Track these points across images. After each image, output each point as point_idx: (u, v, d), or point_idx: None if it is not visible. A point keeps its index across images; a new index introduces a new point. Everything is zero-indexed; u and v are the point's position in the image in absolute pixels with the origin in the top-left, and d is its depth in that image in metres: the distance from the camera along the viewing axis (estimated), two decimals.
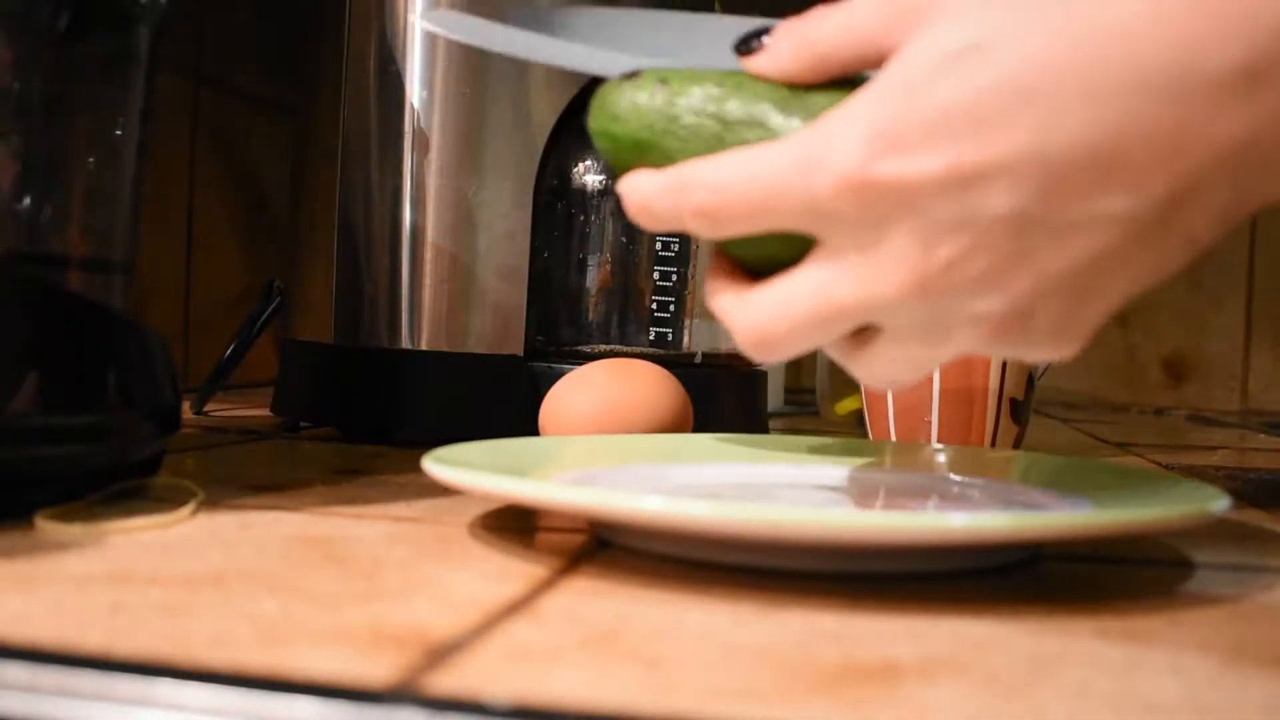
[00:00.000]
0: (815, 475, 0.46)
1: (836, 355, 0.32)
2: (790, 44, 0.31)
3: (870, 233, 0.28)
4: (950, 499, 0.42)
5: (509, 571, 0.32)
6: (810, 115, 0.31)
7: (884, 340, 0.30)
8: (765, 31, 0.32)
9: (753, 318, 0.31)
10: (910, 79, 0.28)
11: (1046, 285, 0.28)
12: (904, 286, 0.28)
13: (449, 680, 0.23)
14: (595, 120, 0.34)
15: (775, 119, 0.31)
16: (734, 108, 0.31)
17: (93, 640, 0.24)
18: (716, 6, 0.77)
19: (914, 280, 0.28)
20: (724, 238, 0.31)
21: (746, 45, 0.32)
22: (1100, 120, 0.26)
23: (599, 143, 0.34)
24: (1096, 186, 0.27)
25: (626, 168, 0.33)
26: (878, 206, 0.28)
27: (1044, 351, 0.30)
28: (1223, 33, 0.26)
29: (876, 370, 0.31)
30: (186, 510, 0.38)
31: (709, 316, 0.63)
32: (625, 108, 0.33)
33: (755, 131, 0.31)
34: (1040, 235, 0.27)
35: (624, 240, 0.61)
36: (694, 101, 0.32)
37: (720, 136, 0.31)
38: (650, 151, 0.32)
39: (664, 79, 0.32)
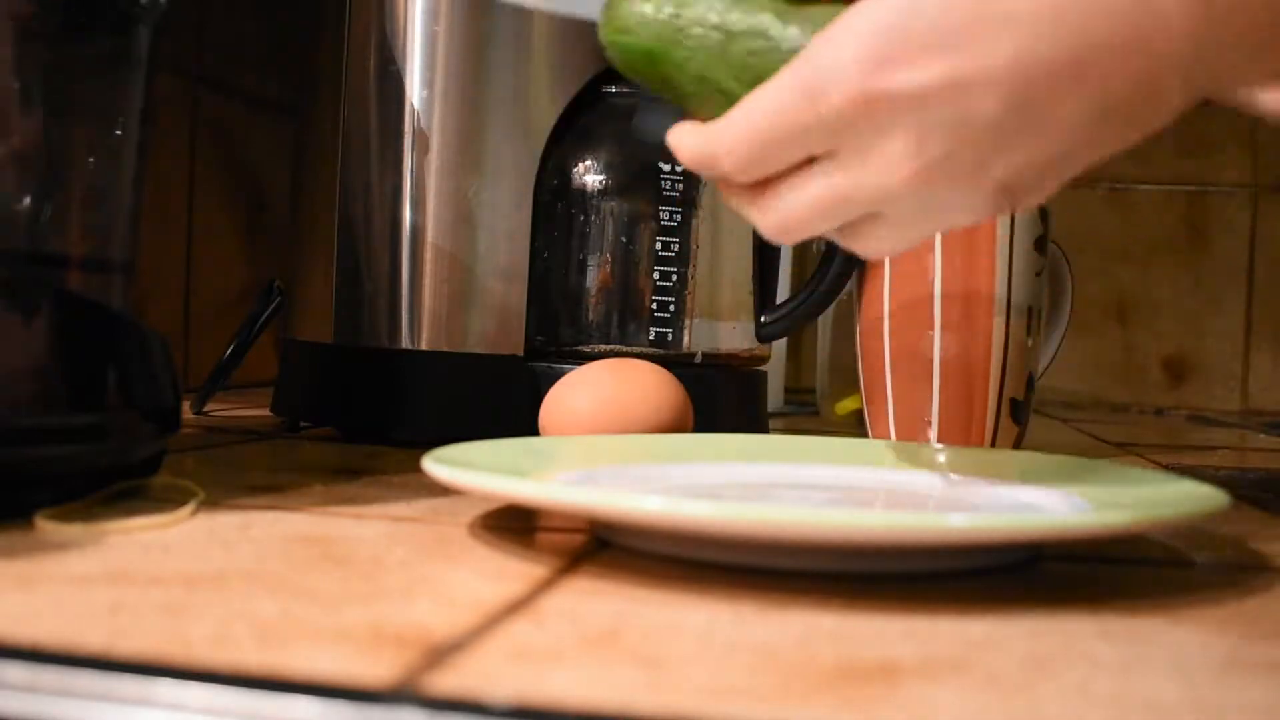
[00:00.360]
0: (815, 475, 0.46)
1: (837, 236, 0.36)
2: None
3: (874, 136, 0.32)
4: (950, 499, 0.42)
5: (509, 571, 0.32)
6: (809, 25, 0.33)
7: (883, 223, 0.35)
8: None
9: (775, 208, 0.35)
10: None
11: (1027, 171, 0.33)
12: (905, 182, 0.33)
13: (449, 680, 0.23)
14: (605, 33, 0.36)
15: (775, 29, 0.34)
16: (736, 19, 0.34)
17: (93, 640, 0.24)
18: None
19: (913, 176, 0.33)
20: (763, 176, 0.34)
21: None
22: (1070, 39, 0.31)
23: (610, 53, 0.37)
24: (1068, 93, 0.31)
25: (639, 75, 0.36)
26: (880, 115, 0.32)
27: (1018, 208, 0.35)
28: None
29: (873, 246, 0.36)
30: (186, 510, 0.38)
31: (709, 316, 0.63)
32: (634, 21, 0.35)
33: (757, 41, 0.34)
34: (1022, 133, 0.32)
35: (624, 240, 0.61)
36: (698, 13, 0.34)
37: (724, 46, 0.34)
38: (660, 61, 0.35)
39: None
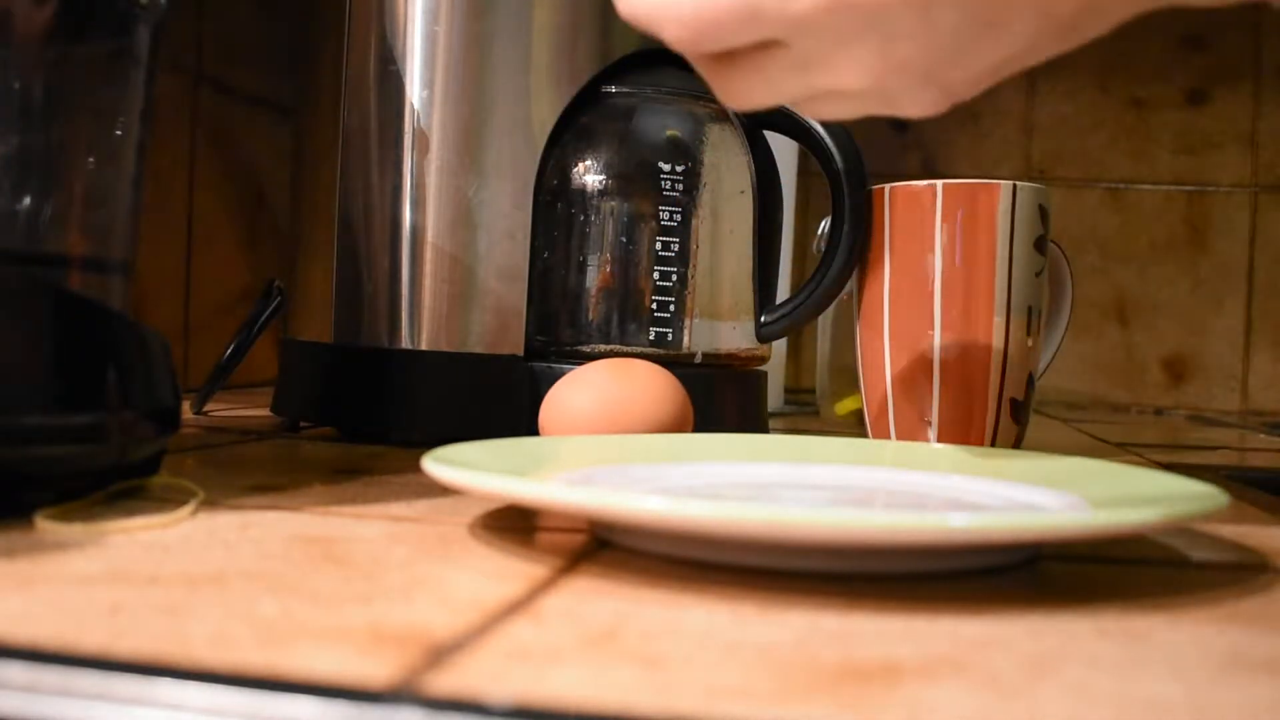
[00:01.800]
0: (815, 475, 0.46)
1: (707, 68, 0.37)
2: None
3: (836, 39, 0.34)
4: (950, 499, 0.42)
5: (509, 571, 0.32)
6: None
7: (837, 99, 0.37)
8: None
9: (733, 83, 0.37)
10: None
11: (973, 74, 0.35)
12: (861, 80, 0.35)
13: (449, 680, 0.23)
14: None
15: None
16: None
17: (93, 640, 0.24)
18: None
19: (870, 76, 0.35)
20: (705, 50, 0.36)
21: None
22: None
23: None
24: (1025, 5, 0.33)
25: None
26: (845, 20, 0.33)
27: (956, 101, 0.37)
28: None
29: (824, 114, 0.38)
30: (186, 510, 0.38)
31: (709, 316, 0.63)
32: None
33: None
34: (977, 41, 0.34)
35: (624, 240, 0.61)
36: None
37: None
38: None
39: None
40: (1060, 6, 0.33)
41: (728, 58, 0.36)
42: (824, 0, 0.33)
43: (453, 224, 0.60)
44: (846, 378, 0.86)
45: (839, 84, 0.36)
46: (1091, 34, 0.35)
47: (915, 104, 0.37)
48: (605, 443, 0.47)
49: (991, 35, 0.34)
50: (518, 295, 0.60)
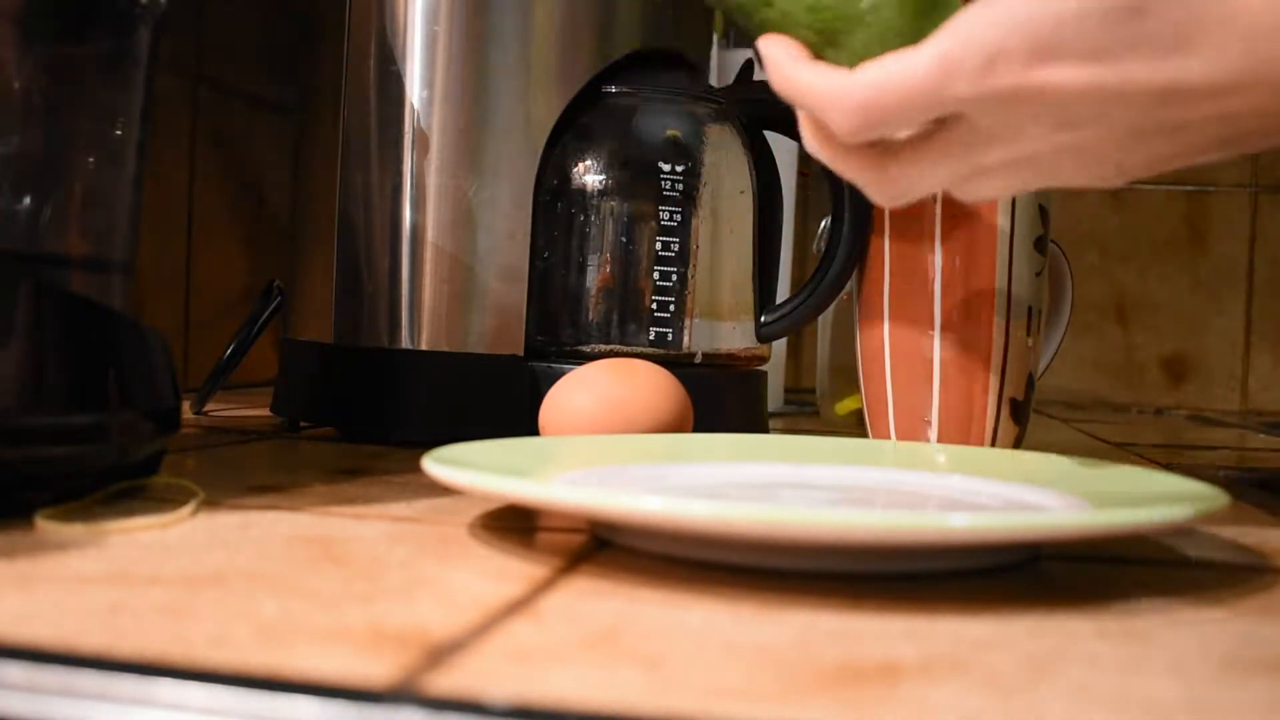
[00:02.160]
0: (815, 475, 0.46)
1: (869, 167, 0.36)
2: None
3: (1011, 121, 0.32)
4: (950, 499, 0.42)
5: (509, 571, 0.32)
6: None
7: (996, 179, 0.35)
8: None
9: (891, 176, 0.35)
10: None
11: (1148, 162, 0.33)
12: (1032, 163, 0.33)
13: (449, 680, 0.23)
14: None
15: None
16: None
17: (93, 640, 0.24)
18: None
19: (1042, 159, 0.33)
20: (868, 137, 0.34)
21: None
22: (1238, 64, 0.30)
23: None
24: (1214, 115, 0.31)
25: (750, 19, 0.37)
26: (1025, 104, 0.32)
27: (1125, 181, 0.35)
28: None
29: (979, 196, 0.36)
30: (186, 510, 0.38)
31: (709, 316, 0.63)
32: None
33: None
34: (1158, 137, 0.32)
35: (624, 240, 0.61)
36: None
37: None
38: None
39: None
40: (1243, 124, 0.32)
41: (886, 147, 0.35)
42: (1009, 80, 0.31)
43: (453, 224, 0.60)
44: (846, 378, 0.86)
45: (1006, 160, 0.34)
46: (1264, 147, 0.33)
47: (1084, 179, 0.35)
48: (605, 443, 0.47)
49: (1175, 134, 0.32)
50: (518, 295, 0.60)
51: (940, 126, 0.34)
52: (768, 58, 0.36)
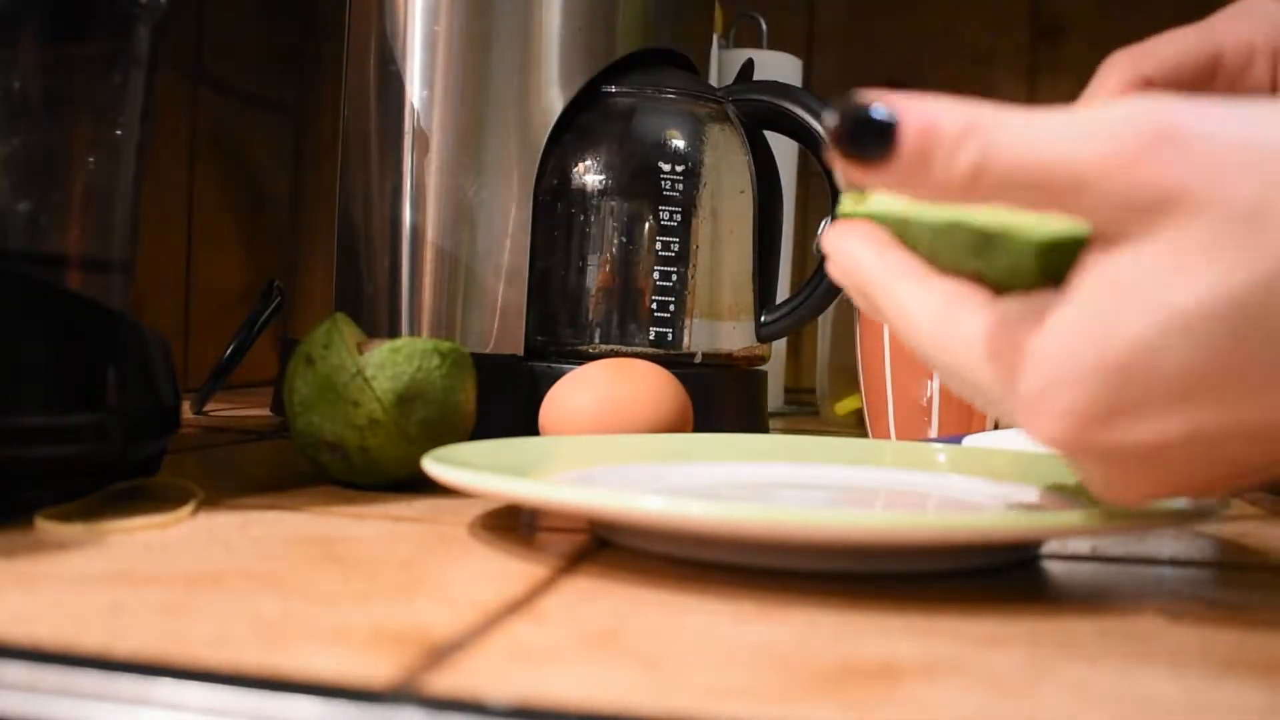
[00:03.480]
0: (815, 475, 0.46)
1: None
2: (960, 154, 0.25)
3: (1078, 462, 0.27)
4: (950, 499, 0.42)
5: (509, 571, 0.32)
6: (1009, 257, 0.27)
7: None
8: (873, 118, 0.26)
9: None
10: (1138, 323, 0.24)
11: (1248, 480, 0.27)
12: (1099, 492, 0.28)
13: (449, 680, 0.23)
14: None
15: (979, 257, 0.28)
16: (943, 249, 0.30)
17: (93, 640, 0.24)
18: (718, 10, 0.77)
19: (1106, 494, 0.28)
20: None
21: (863, 143, 0.26)
22: None
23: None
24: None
25: None
26: (1090, 457, 0.26)
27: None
28: None
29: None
30: (186, 510, 0.38)
31: (709, 316, 0.63)
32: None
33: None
34: (1244, 473, 0.26)
35: (624, 240, 0.61)
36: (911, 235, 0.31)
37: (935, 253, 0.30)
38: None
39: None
40: None
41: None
42: (1066, 442, 0.26)
43: (453, 224, 0.60)
44: (846, 378, 0.86)
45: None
46: None
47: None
48: (605, 443, 0.47)
49: (1261, 469, 0.26)
50: (518, 295, 0.60)
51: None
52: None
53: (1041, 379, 0.26)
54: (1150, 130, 0.24)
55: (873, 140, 0.25)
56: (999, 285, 0.28)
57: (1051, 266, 0.26)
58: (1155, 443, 0.25)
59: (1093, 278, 0.25)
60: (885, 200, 0.31)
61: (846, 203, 0.32)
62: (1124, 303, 0.24)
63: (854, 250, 0.31)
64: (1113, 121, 0.24)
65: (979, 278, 0.29)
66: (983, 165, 0.25)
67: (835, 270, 0.31)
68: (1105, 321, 0.24)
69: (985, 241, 0.28)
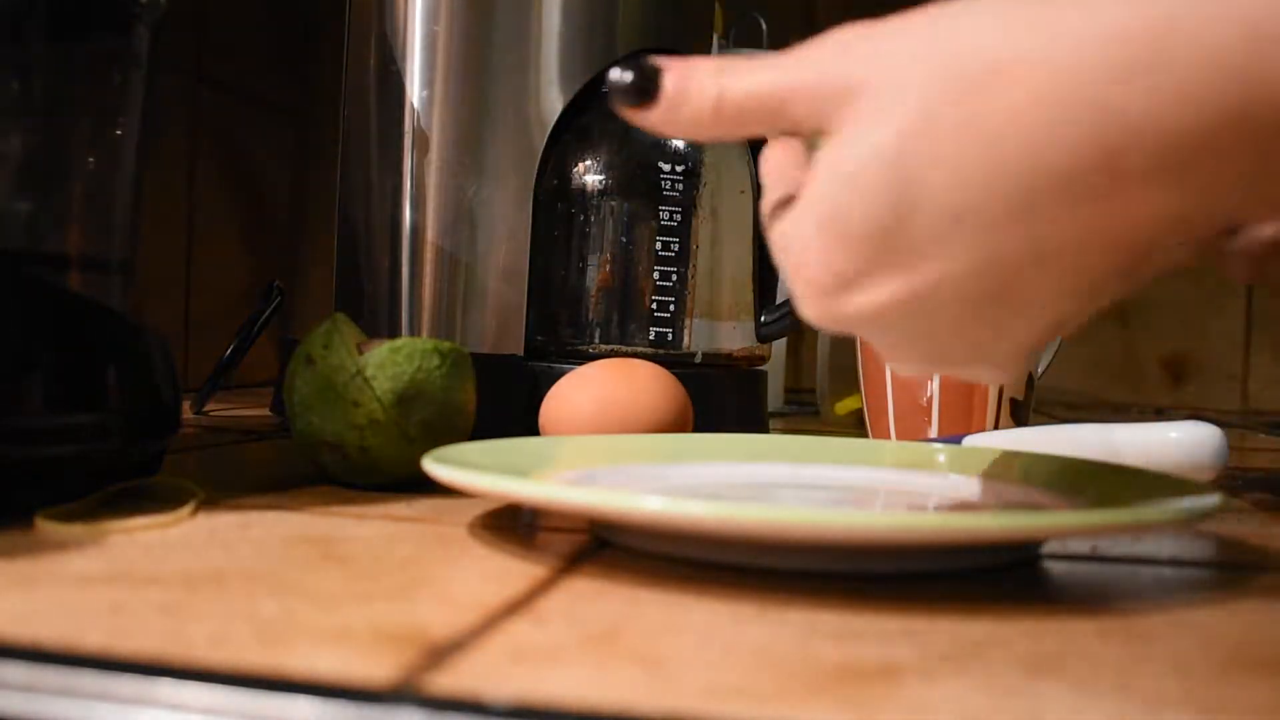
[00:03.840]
0: (815, 475, 0.46)
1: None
2: (698, 96, 0.31)
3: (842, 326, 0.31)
4: (950, 499, 0.42)
5: (509, 571, 0.32)
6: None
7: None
8: (645, 67, 0.32)
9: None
10: (827, 196, 0.29)
11: (981, 350, 0.31)
12: (888, 356, 0.33)
13: (449, 680, 0.23)
14: None
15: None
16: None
17: (93, 640, 0.24)
18: (717, 10, 0.77)
19: (892, 352, 0.33)
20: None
21: (637, 89, 0.32)
22: (1032, 234, 0.27)
23: None
24: (1035, 289, 0.29)
25: None
26: (846, 325, 0.31)
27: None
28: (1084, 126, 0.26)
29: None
30: (186, 510, 0.38)
31: (709, 316, 0.63)
32: None
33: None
34: (985, 320, 0.30)
35: (624, 240, 0.61)
36: None
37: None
38: None
39: None
40: (1087, 266, 0.29)
41: None
42: (817, 318, 0.31)
43: (453, 224, 0.60)
44: (846, 378, 0.86)
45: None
46: (1146, 279, 0.31)
47: (929, 369, 0.34)
48: (605, 443, 0.47)
49: (1002, 313, 0.30)
50: (518, 295, 0.60)
51: None
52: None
53: (789, 262, 0.31)
54: (829, 47, 0.30)
55: (643, 84, 0.31)
56: None
57: None
58: (876, 307, 0.29)
59: (813, 168, 0.30)
60: None
61: None
62: (820, 180, 0.29)
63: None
64: (808, 49, 0.30)
65: None
66: (721, 97, 0.31)
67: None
68: (812, 200, 0.29)
69: None
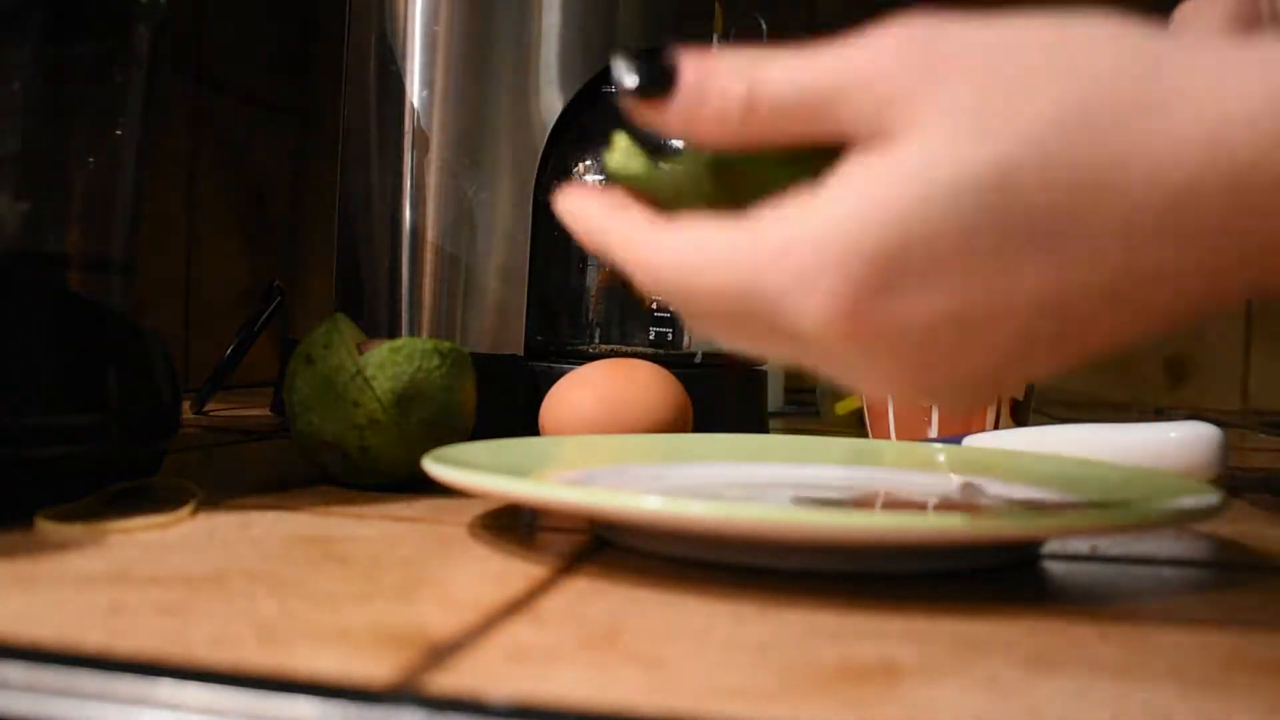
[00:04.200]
0: (815, 475, 0.46)
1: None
2: (732, 87, 0.27)
3: (849, 357, 0.27)
4: (950, 499, 0.42)
5: (509, 571, 0.32)
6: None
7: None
8: (658, 57, 0.28)
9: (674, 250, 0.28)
10: (901, 197, 0.25)
11: (1029, 375, 0.29)
12: (880, 389, 0.28)
13: (449, 680, 0.23)
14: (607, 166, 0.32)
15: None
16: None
17: (93, 640, 0.24)
18: (717, 10, 0.77)
19: (890, 388, 0.28)
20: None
21: (647, 84, 0.28)
22: (1116, 262, 0.25)
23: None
24: (1105, 316, 0.26)
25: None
26: (862, 344, 0.26)
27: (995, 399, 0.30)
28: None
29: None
30: (186, 510, 0.38)
31: None
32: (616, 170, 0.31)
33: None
34: (1034, 356, 0.27)
35: None
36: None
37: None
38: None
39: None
40: (1156, 306, 0.26)
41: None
42: (830, 328, 0.26)
43: (453, 224, 0.60)
44: None
45: (847, 382, 0.29)
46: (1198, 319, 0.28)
47: (945, 400, 0.30)
48: (605, 443, 0.47)
49: (1052, 349, 0.27)
50: (518, 295, 0.60)
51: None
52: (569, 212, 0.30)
53: (808, 265, 0.26)
54: (894, 39, 0.26)
55: (657, 79, 0.27)
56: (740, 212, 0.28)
57: (795, 180, 0.27)
58: (923, 320, 0.26)
59: (848, 172, 0.26)
60: (628, 158, 0.31)
61: (615, 163, 0.31)
62: (879, 186, 0.25)
63: (587, 208, 0.30)
64: (864, 43, 0.26)
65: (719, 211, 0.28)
66: (753, 94, 0.26)
67: (577, 229, 0.30)
68: (863, 204, 0.25)
69: (724, 168, 0.28)
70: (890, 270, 0.25)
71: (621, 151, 0.31)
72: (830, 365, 0.28)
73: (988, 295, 0.25)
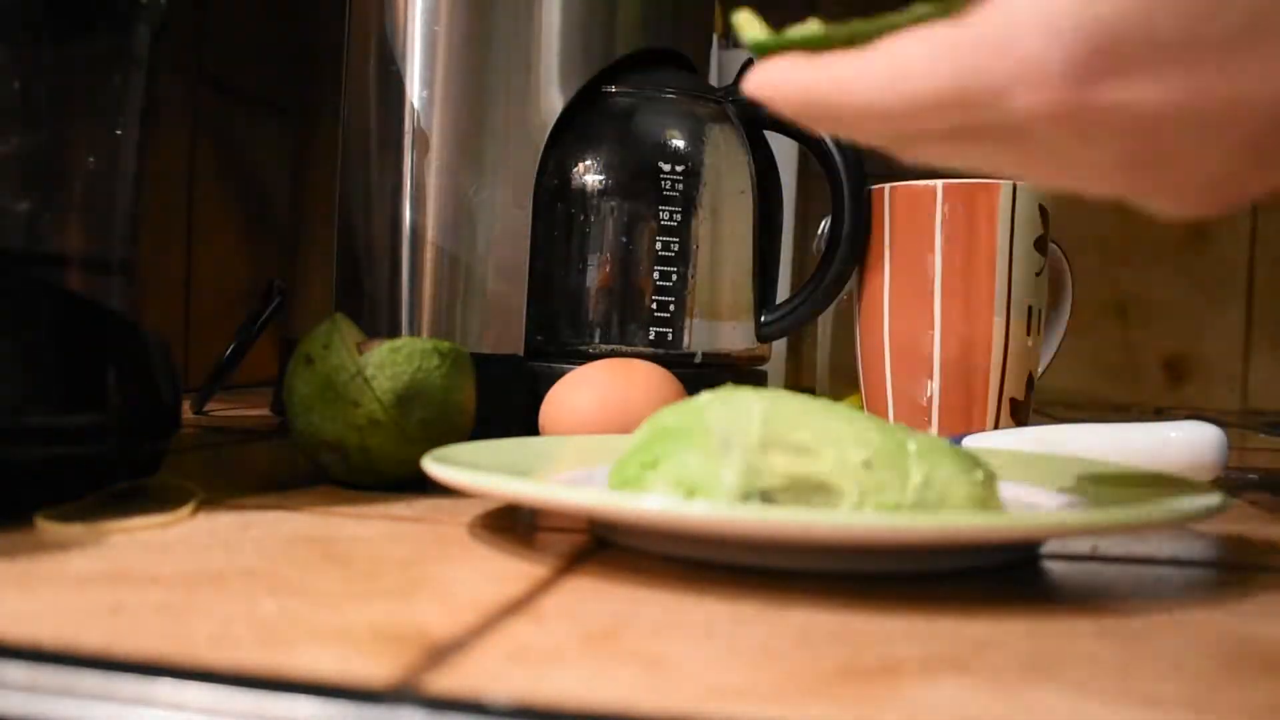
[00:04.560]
0: None
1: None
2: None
3: (1068, 142, 0.26)
4: None
5: (509, 571, 0.32)
6: None
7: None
8: None
9: (916, 152, 0.28)
10: None
11: (1235, 198, 0.27)
12: (1095, 184, 0.27)
13: (449, 680, 0.23)
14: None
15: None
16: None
17: (93, 640, 0.24)
18: (717, 10, 0.77)
19: (1108, 184, 0.27)
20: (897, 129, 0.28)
21: None
22: None
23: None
24: None
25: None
26: (1084, 127, 0.25)
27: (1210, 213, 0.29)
28: None
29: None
30: (186, 510, 0.38)
31: (709, 316, 0.63)
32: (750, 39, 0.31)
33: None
34: (1266, 162, 0.25)
35: (624, 240, 0.61)
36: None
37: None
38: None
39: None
40: None
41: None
42: (1054, 100, 0.25)
43: (453, 224, 0.60)
44: (846, 377, 0.86)
45: (1062, 177, 0.28)
46: None
47: (1154, 204, 0.29)
48: (605, 443, 0.47)
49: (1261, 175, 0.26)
50: (518, 295, 0.60)
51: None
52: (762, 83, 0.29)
53: (1034, 49, 0.25)
54: None
55: None
56: None
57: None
58: (1152, 108, 0.24)
59: None
60: (797, 29, 0.30)
61: (754, 36, 0.31)
62: None
63: (783, 71, 0.29)
64: None
65: None
66: None
67: (778, 100, 0.30)
68: None
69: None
70: (1118, 54, 0.24)
71: (757, 26, 0.31)
72: (1052, 162, 0.27)
73: (1214, 91, 0.24)
